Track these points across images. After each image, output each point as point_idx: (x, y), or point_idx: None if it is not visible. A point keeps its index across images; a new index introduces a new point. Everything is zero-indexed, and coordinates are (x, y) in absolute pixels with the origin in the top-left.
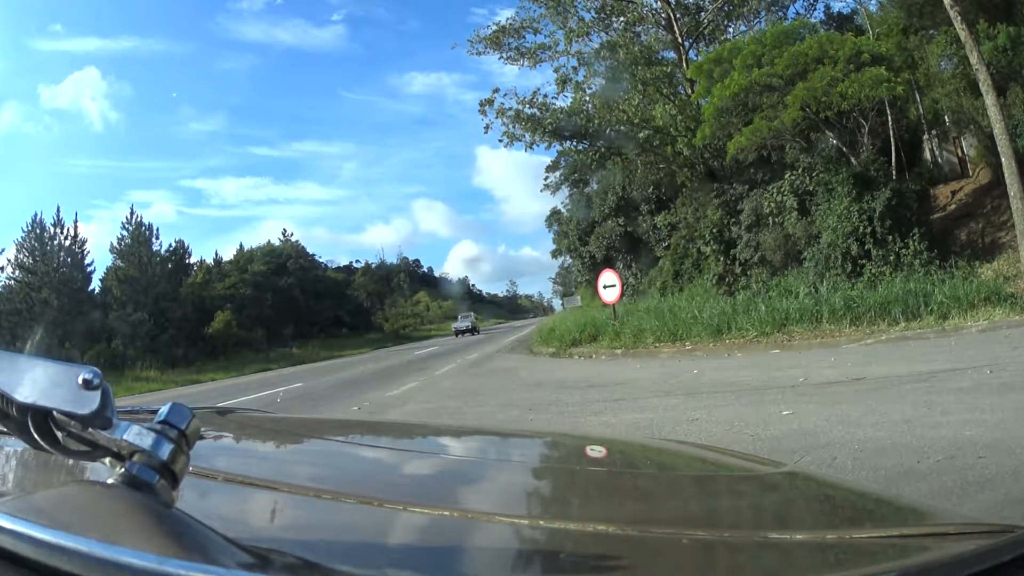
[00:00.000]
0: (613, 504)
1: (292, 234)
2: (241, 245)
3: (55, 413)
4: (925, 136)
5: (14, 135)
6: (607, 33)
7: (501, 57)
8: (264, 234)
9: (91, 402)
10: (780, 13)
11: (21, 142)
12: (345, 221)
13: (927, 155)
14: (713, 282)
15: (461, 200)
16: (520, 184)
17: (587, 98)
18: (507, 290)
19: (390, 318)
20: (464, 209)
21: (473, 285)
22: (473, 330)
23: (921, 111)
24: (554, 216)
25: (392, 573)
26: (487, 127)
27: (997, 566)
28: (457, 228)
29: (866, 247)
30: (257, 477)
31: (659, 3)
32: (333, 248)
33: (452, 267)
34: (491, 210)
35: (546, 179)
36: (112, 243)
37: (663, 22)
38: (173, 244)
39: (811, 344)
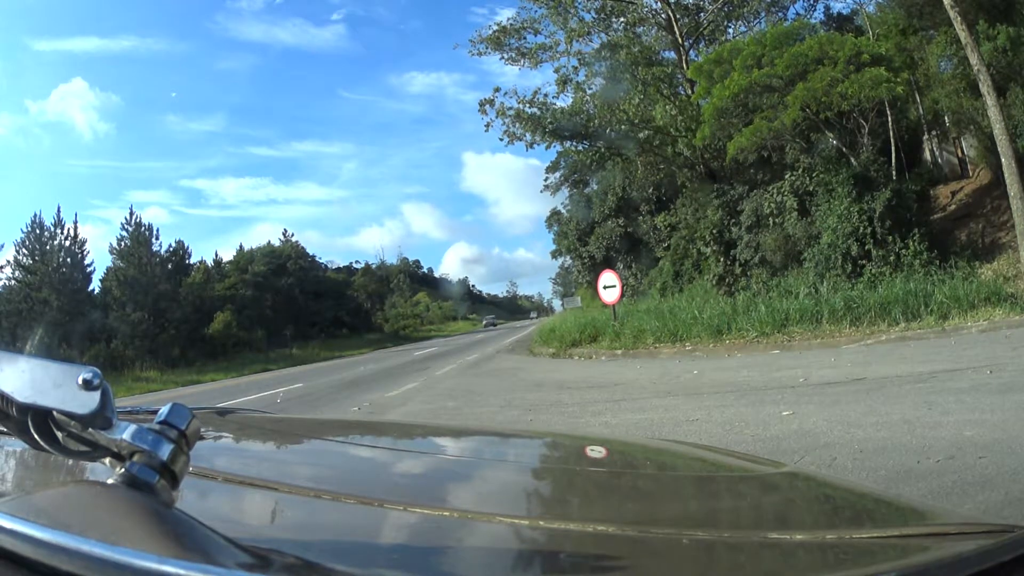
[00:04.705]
0: (613, 504)
1: (292, 235)
2: (241, 246)
3: (55, 413)
4: (925, 136)
5: (7, 146)
6: (607, 33)
7: (502, 57)
8: (262, 234)
9: (91, 402)
10: (780, 14)
11: (14, 153)
12: (340, 223)
13: (927, 155)
14: (713, 283)
15: (454, 202)
16: (511, 187)
17: (587, 98)
18: (507, 291)
19: (390, 319)
20: (457, 211)
21: (473, 286)
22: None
23: (921, 111)
24: (554, 216)
25: (392, 573)
26: (488, 126)
27: (997, 566)
28: (451, 230)
29: (866, 247)
30: (257, 477)
31: (659, 3)
32: (327, 251)
33: (448, 268)
34: (483, 213)
35: (546, 180)
36: (112, 243)
37: (663, 22)
38: (173, 244)
39: (811, 344)
